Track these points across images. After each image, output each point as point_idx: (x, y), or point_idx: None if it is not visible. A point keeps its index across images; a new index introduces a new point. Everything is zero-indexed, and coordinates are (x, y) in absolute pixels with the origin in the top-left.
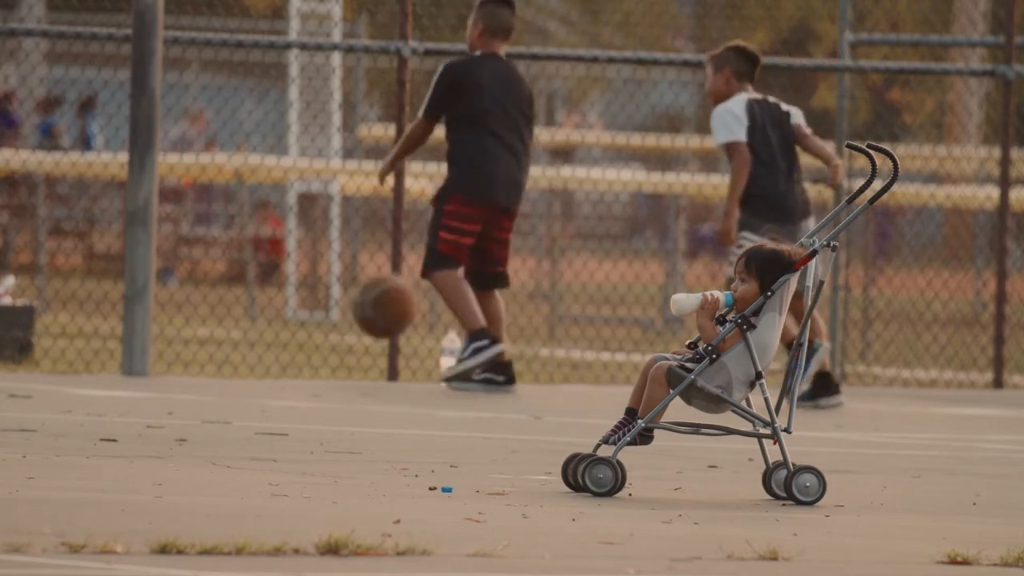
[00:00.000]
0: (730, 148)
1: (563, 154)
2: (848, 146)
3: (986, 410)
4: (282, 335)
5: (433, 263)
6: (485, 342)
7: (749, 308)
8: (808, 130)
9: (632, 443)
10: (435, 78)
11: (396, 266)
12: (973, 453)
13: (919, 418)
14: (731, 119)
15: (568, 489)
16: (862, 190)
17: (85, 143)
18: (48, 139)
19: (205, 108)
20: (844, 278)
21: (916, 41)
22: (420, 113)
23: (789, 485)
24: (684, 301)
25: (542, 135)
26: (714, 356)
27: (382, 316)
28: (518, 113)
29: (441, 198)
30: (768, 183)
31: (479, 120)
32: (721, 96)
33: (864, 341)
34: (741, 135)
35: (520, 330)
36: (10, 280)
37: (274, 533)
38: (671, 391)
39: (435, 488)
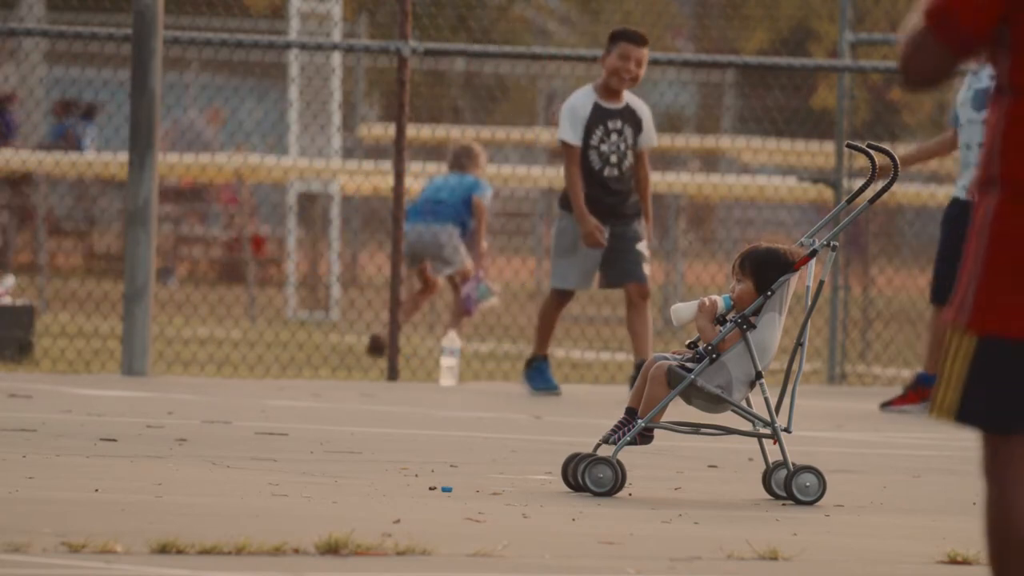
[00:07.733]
0: None
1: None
2: (848, 146)
3: None
4: (282, 335)
5: None
6: None
7: (748, 308)
8: None
9: (632, 443)
10: None
11: (396, 266)
12: (973, 453)
13: (919, 418)
14: None
15: (568, 489)
16: (862, 190)
17: (76, 146)
18: (64, 142)
19: (221, 108)
20: (844, 278)
21: None
22: None
23: (789, 485)
24: (683, 310)
25: (542, 135)
26: (714, 356)
27: None
28: None
29: None
30: None
31: None
32: None
33: (864, 341)
34: None
35: (520, 330)
36: (10, 280)
37: (274, 533)
38: (671, 391)
39: (435, 488)
